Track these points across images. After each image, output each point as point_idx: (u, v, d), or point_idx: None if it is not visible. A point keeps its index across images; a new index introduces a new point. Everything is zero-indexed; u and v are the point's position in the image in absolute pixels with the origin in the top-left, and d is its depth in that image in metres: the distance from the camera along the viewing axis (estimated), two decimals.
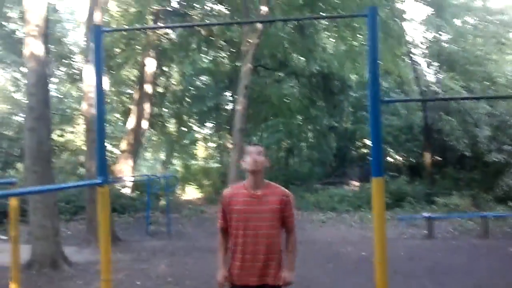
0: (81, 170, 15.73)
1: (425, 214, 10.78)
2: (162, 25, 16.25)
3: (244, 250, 2.78)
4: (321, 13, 14.54)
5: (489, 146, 14.09)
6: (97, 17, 9.28)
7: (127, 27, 14.81)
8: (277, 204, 2.80)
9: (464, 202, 12.51)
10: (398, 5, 16.43)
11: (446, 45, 19.27)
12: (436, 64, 19.46)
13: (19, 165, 14.73)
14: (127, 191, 15.17)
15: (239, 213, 2.79)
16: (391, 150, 20.27)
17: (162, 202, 14.88)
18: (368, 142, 21.59)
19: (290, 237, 2.94)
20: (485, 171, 15.07)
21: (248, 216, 2.77)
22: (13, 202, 3.44)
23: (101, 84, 3.08)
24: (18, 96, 18.23)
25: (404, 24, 15.93)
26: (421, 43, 20.36)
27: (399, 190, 14.76)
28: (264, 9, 10.96)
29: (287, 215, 2.86)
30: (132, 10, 14.99)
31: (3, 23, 15.42)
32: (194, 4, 16.42)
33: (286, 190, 2.93)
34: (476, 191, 13.88)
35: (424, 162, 18.27)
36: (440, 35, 18.79)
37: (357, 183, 18.50)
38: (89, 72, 8.71)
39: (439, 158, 20.14)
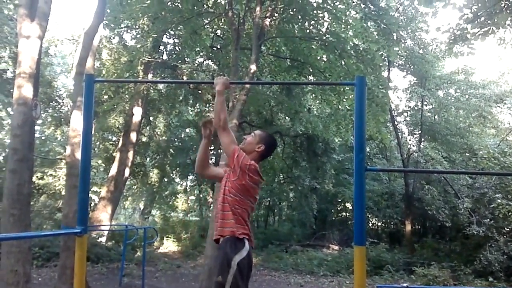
0: (58, 215, 15.30)
1: (404, 284, 10.55)
2: (153, 79, 16.41)
3: None
4: (308, 77, 14.86)
5: (469, 218, 14.07)
6: (89, 63, 9.30)
7: (117, 74, 14.96)
8: None
9: (443, 274, 12.30)
10: (384, 73, 16.93)
11: (429, 114, 19.70)
12: (418, 132, 19.81)
13: None
14: (103, 239, 14.75)
15: None
16: (371, 215, 20.23)
17: (138, 253, 14.44)
18: (349, 205, 21.58)
19: None
20: (465, 243, 14.97)
21: None
22: None
23: (90, 132, 3.01)
24: (0, 135, 17.96)
25: (388, 92, 16.29)
26: (404, 112, 20.85)
27: (378, 257, 14.56)
28: (253, 68, 11.11)
29: None
30: (124, 59, 15.13)
31: None
32: (185, 59, 16.72)
33: None
34: (455, 263, 13.72)
35: (404, 230, 18.18)
36: (423, 105, 19.24)
37: (336, 247, 18.26)
38: (76, 118, 8.62)
39: (419, 227, 20.11)
